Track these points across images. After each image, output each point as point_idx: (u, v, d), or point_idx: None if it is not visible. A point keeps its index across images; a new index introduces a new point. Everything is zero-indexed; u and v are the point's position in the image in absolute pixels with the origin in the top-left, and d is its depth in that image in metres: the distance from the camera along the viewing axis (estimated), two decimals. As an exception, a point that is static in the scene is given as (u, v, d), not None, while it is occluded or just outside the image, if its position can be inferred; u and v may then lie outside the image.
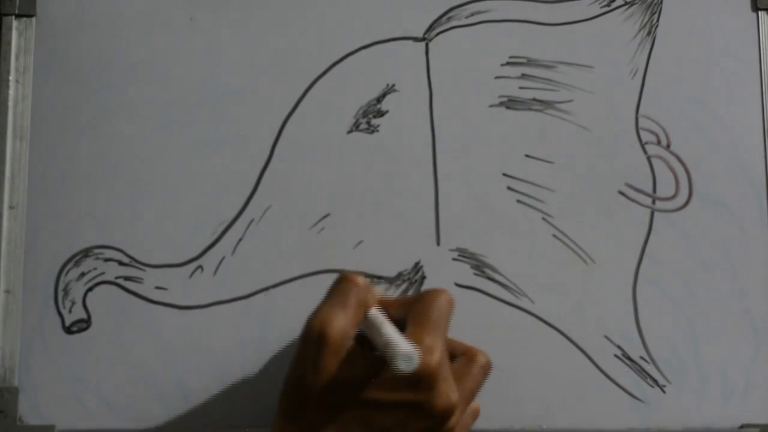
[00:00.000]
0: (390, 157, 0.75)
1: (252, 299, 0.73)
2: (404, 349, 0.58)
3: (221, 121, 0.75)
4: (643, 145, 0.76)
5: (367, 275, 0.74)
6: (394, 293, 0.73)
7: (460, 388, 0.63)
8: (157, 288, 0.73)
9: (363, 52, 0.76)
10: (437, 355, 0.59)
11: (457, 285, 0.74)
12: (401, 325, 0.61)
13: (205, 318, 0.73)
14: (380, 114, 0.75)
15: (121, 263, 0.73)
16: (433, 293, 0.63)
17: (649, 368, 0.74)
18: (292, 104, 0.75)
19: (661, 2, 0.78)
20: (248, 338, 0.73)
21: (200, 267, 0.73)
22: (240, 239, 0.74)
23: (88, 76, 0.75)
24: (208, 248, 0.74)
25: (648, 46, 0.77)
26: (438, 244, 0.74)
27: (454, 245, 0.74)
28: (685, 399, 0.73)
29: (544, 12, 0.77)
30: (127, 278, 0.73)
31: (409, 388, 0.59)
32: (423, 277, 0.74)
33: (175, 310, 0.73)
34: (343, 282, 0.62)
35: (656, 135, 0.76)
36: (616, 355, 0.73)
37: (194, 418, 0.72)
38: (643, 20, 0.77)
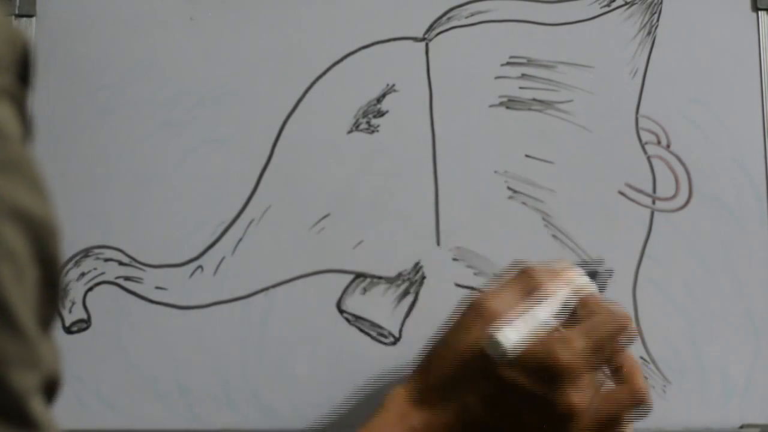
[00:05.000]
0: (390, 157, 0.75)
1: (252, 299, 0.73)
2: (498, 337, 0.59)
3: (221, 121, 0.75)
4: (643, 145, 0.76)
5: (367, 275, 0.74)
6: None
7: (602, 406, 0.61)
8: (157, 288, 0.73)
9: (363, 52, 0.76)
10: (576, 357, 0.60)
11: (457, 285, 0.74)
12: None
13: (205, 318, 0.73)
14: (380, 114, 0.75)
15: (121, 263, 0.73)
16: (616, 312, 0.63)
17: (649, 368, 0.73)
18: (292, 104, 0.75)
19: (661, 2, 0.78)
20: (248, 338, 0.73)
21: (200, 267, 0.73)
22: (240, 239, 0.74)
23: (88, 76, 0.75)
24: (208, 248, 0.74)
25: (648, 46, 0.77)
26: (438, 244, 0.74)
27: (454, 245, 0.74)
28: (685, 399, 0.73)
29: (544, 12, 0.77)
30: (127, 278, 0.73)
31: (536, 375, 0.59)
32: (423, 277, 0.74)
33: (175, 310, 0.73)
34: (520, 272, 0.65)
35: (656, 135, 0.76)
36: (616, 355, 0.73)
37: (194, 418, 0.72)
38: (643, 20, 0.77)
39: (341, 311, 0.73)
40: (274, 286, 0.73)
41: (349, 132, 0.75)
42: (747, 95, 0.77)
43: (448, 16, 0.77)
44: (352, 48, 0.76)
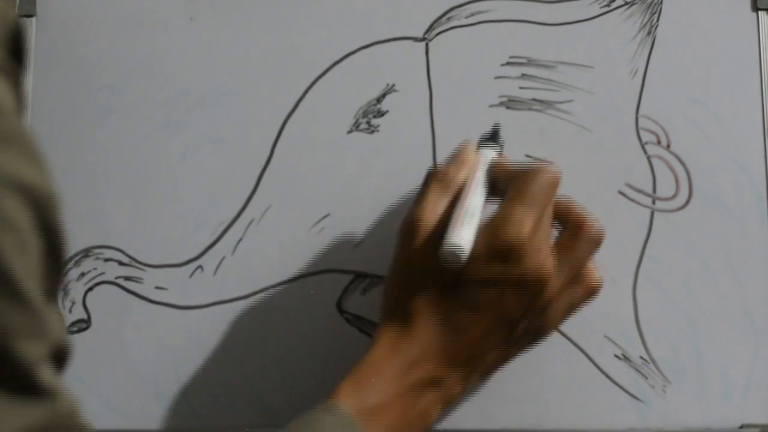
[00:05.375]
0: (390, 157, 0.75)
1: (252, 299, 0.73)
2: (453, 240, 0.59)
3: (221, 121, 0.75)
4: (643, 145, 0.76)
5: (367, 275, 0.74)
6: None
7: (564, 258, 0.63)
8: (157, 288, 0.73)
9: (363, 52, 0.76)
10: (526, 228, 0.60)
11: (457, 285, 0.74)
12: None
13: (205, 318, 0.73)
14: (380, 114, 0.75)
15: (121, 263, 0.73)
16: (538, 169, 0.63)
17: (649, 368, 0.73)
18: (292, 104, 0.75)
19: (661, 2, 0.78)
20: (248, 338, 0.73)
21: (200, 267, 0.73)
22: (240, 239, 0.74)
23: (88, 76, 0.75)
24: (208, 248, 0.74)
25: (648, 46, 0.77)
26: (438, 244, 0.74)
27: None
28: (685, 399, 0.73)
29: (544, 12, 0.77)
30: (127, 278, 0.73)
31: (500, 261, 0.60)
32: (423, 277, 0.73)
33: (175, 310, 0.73)
34: (427, 180, 0.65)
35: (656, 135, 0.76)
36: (616, 355, 0.73)
37: (194, 418, 0.72)
38: (643, 20, 0.77)
39: (341, 311, 0.73)
40: (274, 286, 0.73)
41: (349, 132, 0.75)
42: (747, 95, 0.77)
43: (448, 16, 0.77)
44: (352, 48, 0.76)
